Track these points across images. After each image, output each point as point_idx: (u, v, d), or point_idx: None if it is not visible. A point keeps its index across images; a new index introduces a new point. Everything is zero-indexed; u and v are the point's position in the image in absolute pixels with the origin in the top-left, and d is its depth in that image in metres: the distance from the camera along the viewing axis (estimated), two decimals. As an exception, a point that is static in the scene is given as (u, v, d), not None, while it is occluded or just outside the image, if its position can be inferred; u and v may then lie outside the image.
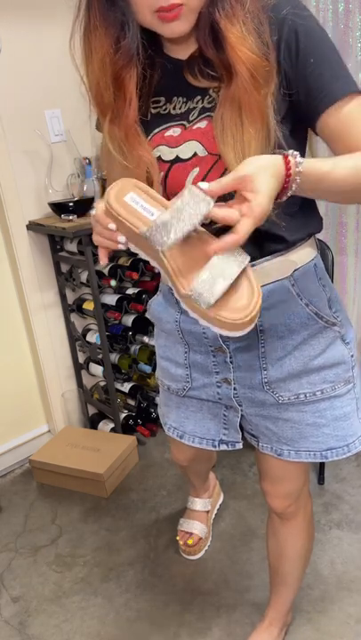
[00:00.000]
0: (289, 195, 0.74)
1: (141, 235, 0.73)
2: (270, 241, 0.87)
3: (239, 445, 1.04)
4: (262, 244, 0.87)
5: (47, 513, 1.89)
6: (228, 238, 0.68)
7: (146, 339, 2.07)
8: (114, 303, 2.06)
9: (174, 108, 0.87)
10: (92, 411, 2.34)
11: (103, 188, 2.04)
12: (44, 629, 1.45)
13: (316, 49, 0.78)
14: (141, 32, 0.81)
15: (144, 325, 2.09)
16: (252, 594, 1.48)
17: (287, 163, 0.71)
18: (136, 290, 2.10)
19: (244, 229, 0.67)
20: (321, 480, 1.84)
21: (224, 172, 0.82)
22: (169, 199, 0.79)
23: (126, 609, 1.48)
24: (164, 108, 0.88)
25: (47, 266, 2.08)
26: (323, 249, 1.50)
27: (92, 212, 0.81)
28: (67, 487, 1.98)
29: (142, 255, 0.80)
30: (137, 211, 0.77)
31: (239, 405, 1.00)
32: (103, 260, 0.82)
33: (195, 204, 0.69)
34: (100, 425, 2.22)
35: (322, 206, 1.57)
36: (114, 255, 2.11)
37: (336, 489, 1.81)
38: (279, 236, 0.87)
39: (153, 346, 1.98)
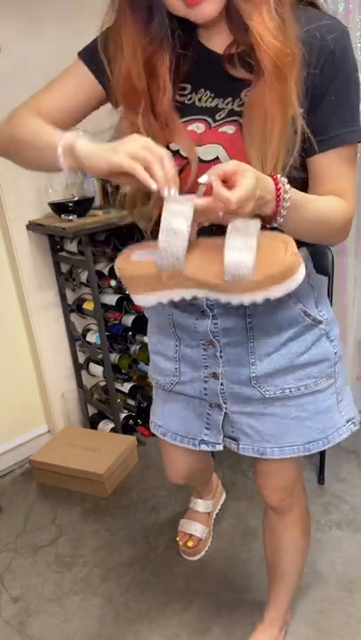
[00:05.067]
0: (279, 220, 0.74)
1: (159, 271, 0.75)
2: None
3: (219, 447, 1.05)
4: None
5: (47, 513, 1.89)
6: (228, 210, 0.67)
7: (146, 339, 2.07)
8: (114, 303, 2.06)
9: (200, 100, 0.84)
10: (92, 411, 2.33)
11: (103, 188, 2.04)
12: (44, 629, 1.45)
13: (341, 89, 0.79)
14: (175, 18, 0.79)
15: (144, 325, 2.08)
16: (252, 594, 1.47)
17: (275, 180, 0.72)
18: (136, 290, 2.10)
19: (236, 194, 0.66)
20: (321, 480, 1.84)
21: None
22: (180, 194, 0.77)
23: (126, 609, 1.48)
24: (188, 97, 0.85)
25: (47, 266, 2.08)
26: (323, 249, 1.50)
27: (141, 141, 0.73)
28: (67, 487, 1.98)
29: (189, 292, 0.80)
30: (148, 260, 0.79)
31: (224, 403, 1.01)
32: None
33: (179, 208, 0.70)
34: (100, 425, 2.22)
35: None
36: (113, 255, 2.11)
37: (336, 489, 1.81)
38: None
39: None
